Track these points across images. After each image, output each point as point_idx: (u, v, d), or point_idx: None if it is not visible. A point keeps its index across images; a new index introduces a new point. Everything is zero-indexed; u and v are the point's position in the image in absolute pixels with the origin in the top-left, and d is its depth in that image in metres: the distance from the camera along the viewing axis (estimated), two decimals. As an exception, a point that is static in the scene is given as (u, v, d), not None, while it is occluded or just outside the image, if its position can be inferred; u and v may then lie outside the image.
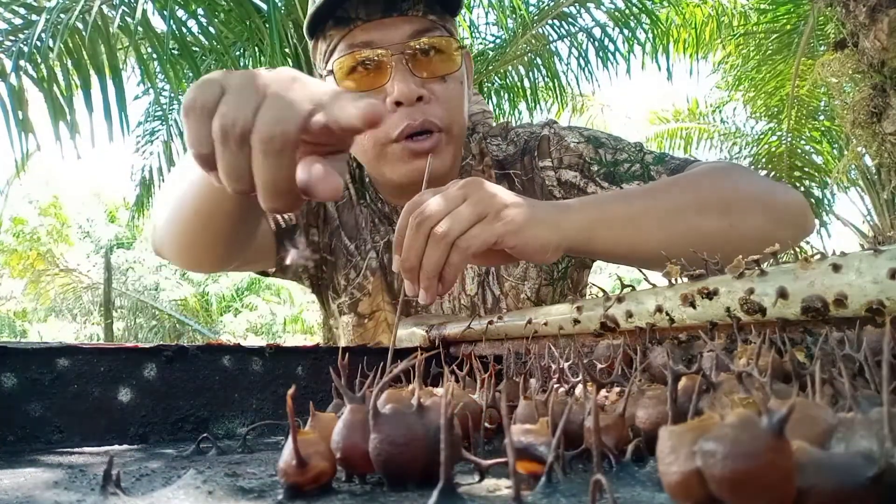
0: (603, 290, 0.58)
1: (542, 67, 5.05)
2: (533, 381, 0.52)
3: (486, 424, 0.43)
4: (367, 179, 1.10)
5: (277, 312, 14.69)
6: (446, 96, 0.91)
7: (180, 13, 3.36)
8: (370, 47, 0.89)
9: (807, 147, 7.12)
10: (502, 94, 5.19)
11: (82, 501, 0.32)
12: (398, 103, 0.88)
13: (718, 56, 6.87)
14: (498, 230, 0.65)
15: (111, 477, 0.31)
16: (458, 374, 0.54)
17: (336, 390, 0.49)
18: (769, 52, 6.29)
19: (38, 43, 2.91)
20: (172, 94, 4.32)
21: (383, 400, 0.34)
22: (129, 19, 2.92)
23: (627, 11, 4.59)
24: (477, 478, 0.33)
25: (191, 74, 3.61)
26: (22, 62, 2.92)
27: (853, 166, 6.33)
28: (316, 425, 0.36)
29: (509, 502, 0.24)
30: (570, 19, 4.74)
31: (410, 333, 0.85)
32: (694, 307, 0.46)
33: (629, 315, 0.52)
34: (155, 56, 3.43)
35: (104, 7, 2.97)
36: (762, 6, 6.08)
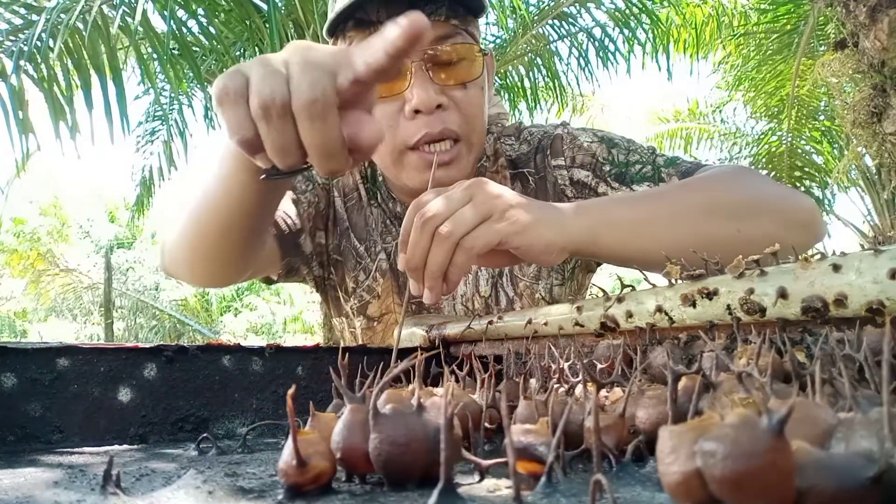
0: (603, 290, 0.58)
1: (542, 67, 5.06)
2: (533, 381, 0.52)
3: (486, 424, 0.43)
4: (379, 178, 1.09)
5: (277, 312, 14.69)
6: (466, 103, 0.90)
7: (180, 13, 3.36)
8: None
9: (807, 147, 7.12)
10: (502, 94, 5.19)
11: (82, 501, 0.32)
12: (417, 111, 0.87)
13: (718, 56, 6.87)
14: (502, 230, 0.65)
15: (111, 477, 0.31)
16: (458, 374, 0.54)
17: (336, 390, 0.49)
18: (769, 52, 6.29)
19: (38, 43, 2.91)
20: (172, 95, 4.32)
21: (383, 400, 0.34)
22: (129, 19, 2.92)
23: (627, 11, 4.59)
24: (477, 478, 0.33)
25: (191, 74, 3.61)
26: (22, 62, 2.93)
27: (853, 166, 6.33)
28: (316, 425, 0.36)
29: (509, 502, 0.24)
30: (570, 19, 4.74)
31: (410, 333, 0.85)
32: (694, 307, 0.46)
33: (629, 315, 0.52)
34: (155, 56, 3.43)
35: (104, 7, 2.97)
36: (762, 6, 6.08)
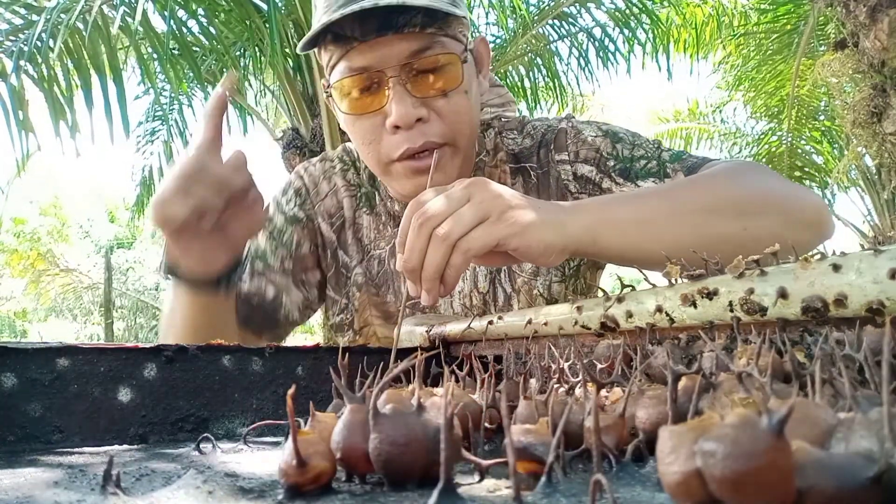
0: (603, 290, 0.58)
1: (542, 67, 5.06)
2: (533, 381, 0.52)
3: (486, 424, 0.43)
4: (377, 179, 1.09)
5: (277, 312, 14.65)
6: (448, 111, 0.89)
7: (181, 13, 3.36)
8: (367, 72, 0.87)
9: (807, 147, 7.13)
10: (502, 93, 5.19)
11: (82, 501, 0.32)
12: (397, 126, 0.87)
13: (718, 56, 6.88)
14: (500, 232, 0.64)
15: (111, 477, 0.31)
16: (458, 374, 0.54)
17: (336, 390, 0.49)
18: (769, 52, 6.30)
19: (39, 43, 2.91)
20: (173, 95, 4.33)
21: (383, 400, 0.34)
22: (129, 19, 2.92)
23: (627, 11, 4.59)
24: (477, 478, 0.33)
25: (191, 74, 3.61)
26: (22, 62, 2.93)
27: (853, 166, 6.33)
28: (316, 425, 0.36)
29: (509, 502, 0.24)
30: (570, 19, 4.75)
31: (410, 333, 0.85)
32: (694, 307, 0.46)
33: (629, 315, 0.52)
34: (155, 56, 3.43)
35: (104, 7, 2.97)
36: (762, 6, 6.09)
